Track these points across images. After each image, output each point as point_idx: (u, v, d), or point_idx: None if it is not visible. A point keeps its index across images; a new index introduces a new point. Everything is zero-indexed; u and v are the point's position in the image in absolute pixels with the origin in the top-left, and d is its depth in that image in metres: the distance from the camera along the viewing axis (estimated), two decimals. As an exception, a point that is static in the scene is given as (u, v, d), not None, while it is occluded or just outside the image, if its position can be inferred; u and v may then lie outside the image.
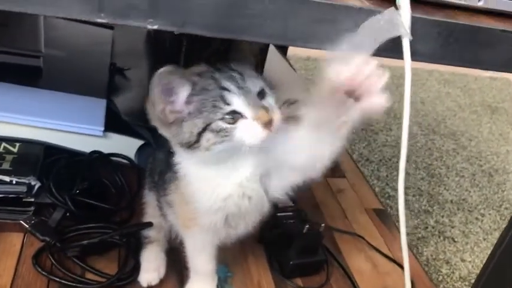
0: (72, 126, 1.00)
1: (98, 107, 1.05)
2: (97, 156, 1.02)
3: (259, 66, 0.75)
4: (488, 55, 0.57)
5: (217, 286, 0.87)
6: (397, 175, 0.56)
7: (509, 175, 1.89)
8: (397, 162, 2.00)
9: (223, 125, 0.64)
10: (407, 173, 1.76)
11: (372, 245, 1.06)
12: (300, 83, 1.54)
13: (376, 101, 0.56)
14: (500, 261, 0.78)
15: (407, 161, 1.82)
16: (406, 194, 1.65)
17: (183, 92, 0.65)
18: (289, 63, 1.77)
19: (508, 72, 0.57)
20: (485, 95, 2.57)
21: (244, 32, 0.51)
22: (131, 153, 1.05)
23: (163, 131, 0.69)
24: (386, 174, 1.73)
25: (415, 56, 0.54)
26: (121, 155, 1.04)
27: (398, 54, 0.54)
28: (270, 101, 0.67)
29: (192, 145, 0.66)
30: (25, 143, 0.97)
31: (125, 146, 1.05)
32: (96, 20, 0.48)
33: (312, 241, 0.93)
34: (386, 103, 0.56)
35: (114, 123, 1.04)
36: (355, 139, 1.90)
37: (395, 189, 1.66)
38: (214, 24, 0.49)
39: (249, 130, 0.64)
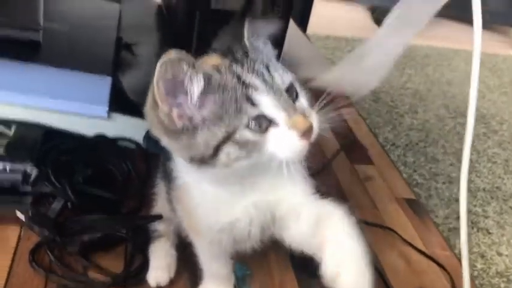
0: (74, 106, 0.90)
1: (102, 84, 0.95)
2: (101, 139, 0.93)
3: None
4: None
5: (235, 286, 0.78)
6: (425, 161, 0.48)
7: (545, 161, 1.77)
8: (425, 147, 1.88)
9: (250, 135, 0.50)
10: (435, 159, 1.65)
11: (405, 240, 0.96)
12: (322, 59, 1.43)
13: None
14: None
15: (435, 145, 1.71)
16: (435, 181, 1.54)
17: (195, 90, 0.50)
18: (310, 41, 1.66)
19: None
20: (515, 75, 2.43)
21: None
22: (139, 136, 0.96)
23: (167, 142, 0.54)
24: (413, 160, 1.61)
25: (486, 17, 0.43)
26: (128, 138, 0.95)
27: (463, 15, 0.43)
28: (303, 101, 0.55)
29: (205, 160, 0.52)
30: (21, 125, 0.88)
31: (132, 128, 0.94)
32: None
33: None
34: None
35: (120, 103, 0.94)
36: (380, 122, 1.78)
37: (424, 176, 1.55)
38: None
39: (283, 141, 0.51)
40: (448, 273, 0.91)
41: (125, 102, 0.95)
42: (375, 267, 0.86)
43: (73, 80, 0.95)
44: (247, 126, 0.50)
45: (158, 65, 0.48)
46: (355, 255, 0.53)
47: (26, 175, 0.81)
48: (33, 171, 0.82)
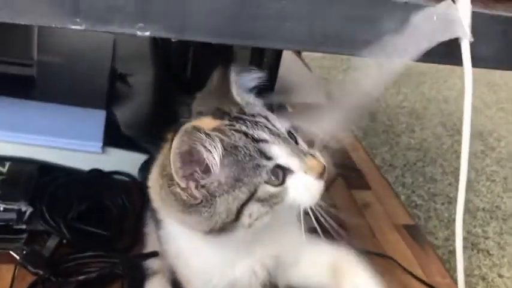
0: (69, 143, 0.90)
1: (96, 119, 0.95)
2: (96, 174, 0.92)
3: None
4: None
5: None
6: (424, 181, 0.48)
7: (544, 178, 1.76)
8: (423, 166, 1.87)
9: (271, 189, 0.49)
10: (433, 179, 1.64)
11: (405, 268, 0.95)
12: (318, 84, 1.43)
13: None
14: None
15: (433, 165, 1.71)
16: (434, 202, 1.54)
17: (217, 157, 0.48)
18: (305, 63, 1.66)
19: None
20: (512, 91, 2.44)
21: (259, 37, 0.40)
22: (134, 169, 0.95)
23: (182, 217, 0.52)
24: (412, 181, 1.61)
25: (476, 62, 0.43)
26: (123, 172, 0.94)
27: (455, 60, 0.42)
28: (301, 143, 0.55)
29: (226, 227, 0.50)
30: (16, 161, 0.87)
31: (127, 162, 0.94)
32: (70, 27, 0.37)
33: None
34: None
35: (114, 137, 0.94)
36: (377, 143, 1.78)
37: (422, 197, 1.55)
38: (220, 28, 0.39)
39: (303, 187, 0.51)
40: (449, 303, 0.90)
41: (119, 136, 0.94)
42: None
43: (67, 115, 0.95)
44: (267, 181, 0.49)
45: (175, 139, 0.46)
46: None
47: (20, 213, 0.81)
48: (27, 210, 0.81)
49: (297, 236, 0.58)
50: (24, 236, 0.82)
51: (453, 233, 1.40)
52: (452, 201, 1.55)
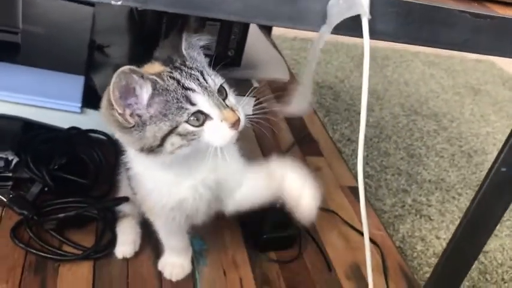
0: (50, 102, 1.01)
1: (76, 83, 1.06)
2: (75, 132, 1.04)
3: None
4: (446, 35, 0.59)
5: (192, 258, 0.90)
6: (378, 155, 0.57)
7: (488, 156, 1.93)
8: (378, 142, 2.03)
9: (190, 128, 0.62)
10: (387, 153, 1.79)
11: (345, 221, 1.09)
12: (282, 62, 1.55)
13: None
14: (463, 235, 0.81)
15: (388, 141, 1.85)
16: (385, 173, 1.68)
17: (144, 93, 0.62)
18: (273, 43, 1.78)
19: (463, 50, 0.59)
20: (469, 77, 2.60)
21: (207, 9, 0.52)
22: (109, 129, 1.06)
23: (121, 137, 0.66)
24: (366, 154, 1.75)
25: (374, 35, 0.56)
26: (99, 131, 1.05)
27: (358, 33, 0.55)
28: (231, 99, 0.68)
29: (153, 150, 0.64)
30: (2, 118, 0.98)
31: (103, 122, 1.05)
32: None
33: (285, 216, 0.95)
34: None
35: (92, 99, 1.05)
36: (338, 119, 1.92)
37: (375, 168, 1.69)
38: (177, 0, 0.51)
39: (217, 132, 0.64)
40: (381, 250, 1.04)
41: (97, 99, 1.05)
42: (317, 244, 1.00)
43: (50, 79, 1.05)
44: (187, 121, 0.62)
45: (114, 75, 0.59)
46: (309, 185, 0.72)
47: (7, 162, 0.91)
48: (13, 159, 0.92)
49: (235, 162, 0.73)
50: (10, 183, 0.93)
51: (400, 201, 1.57)
52: (401, 173, 1.71)
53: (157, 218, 0.81)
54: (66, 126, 1.03)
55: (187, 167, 0.70)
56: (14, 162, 0.92)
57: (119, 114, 0.62)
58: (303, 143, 1.32)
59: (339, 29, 0.55)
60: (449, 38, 0.59)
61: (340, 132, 1.85)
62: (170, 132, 0.62)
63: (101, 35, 1.27)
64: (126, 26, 1.40)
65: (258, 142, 1.20)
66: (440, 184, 1.70)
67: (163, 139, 0.63)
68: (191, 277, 0.88)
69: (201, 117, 0.63)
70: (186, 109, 0.62)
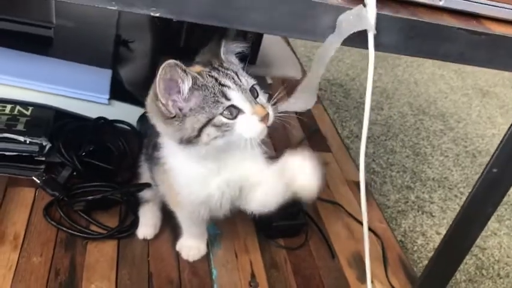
0: (80, 94, 1.09)
1: (104, 76, 1.14)
2: (102, 122, 1.12)
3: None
4: (445, 48, 0.66)
5: (207, 242, 0.98)
6: (384, 152, 0.63)
7: (492, 157, 1.98)
8: (385, 140, 2.10)
9: (224, 119, 0.70)
10: (393, 151, 1.85)
11: (349, 213, 1.16)
12: (295, 61, 1.63)
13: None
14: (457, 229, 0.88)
15: (395, 139, 1.92)
16: (390, 170, 1.75)
17: (186, 87, 0.69)
18: (287, 40, 1.85)
19: (459, 63, 0.66)
20: (478, 78, 2.64)
21: (234, 21, 0.60)
22: (133, 120, 1.15)
23: (163, 127, 0.73)
24: (373, 151, 1.82)
25: (379, 48, 0.63)
26: (124, 121, 1.13)
27: (365, 46, 0.62)
28: (261, 98, 0.76)
29: (191, 140, 0.71)
30: (37, 107, 1.06)
31: (128, 113, 1.14)
32: (107, 7, 0.57)
33: (295, 206, 1.03)
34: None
35: (118, 92, 1.13)
36: (347, 116, 1.98)
37: (381, 165, 1.76)
38: (207, 13, 0.58)
39: (248, 124, 0.71)
40: (382, 242, 1.12)
41: (123, 92, 1.14)
42: (322, 233, 1.07)
43: (80, 71, 1.13)
44: (222, 113, 0.70)
45: (160, 68, 0.66)
46: (311, 167, 0.73)
47: (41, 147, 1.00)
48: (47, 144, 1.00)
49: (257, 163, 0.79)
50: (43, 166, 1.02)
51: (403, 197, 1.64)
52: (406, 171, 1.77)
53: (181, 210, 0.89)
54: (94, 116, 1.11)
55: (217, 163, 0.77)
56: (47, 147, 1.00)
57: (162, 104, 0.69)
58: (312, 139, 1.40)
59: (346, 41, 0.62)
60: (448, 51, 0.66)
61: (349, 129, 1.92)
62: (207, 123, 0.70)
63: (126, 31, 1.35)
64: (150, 23, 1.47)
65: (270, 137, 1.28)
66: (444, 182, 1.77)
67: (201, 130, 0.70)
68: (206, 258, 0.96)
69: (234, 111, 0.70)
70: (222, 103, 0.70)
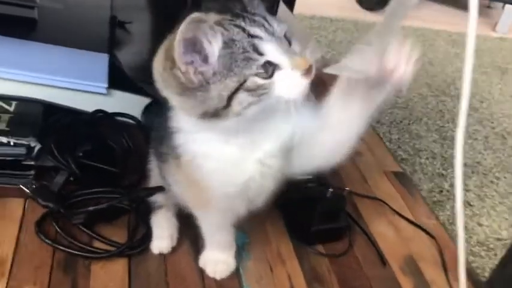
0: (73, 83, 0.93)
1: (100, 62, 0.98)
2: (101, 115, 0.95)
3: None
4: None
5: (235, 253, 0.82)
6: (409, 137, 0.51)
7: (523, 138, 1.84)
8: (408, 124, 1.94)
9: (259, 81, 0.54)
10: (419, 135, 1.71)
11: (394, 210, 1.00)
12: (310, 38, 1.46)
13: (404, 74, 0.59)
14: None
15: (418, 123, 1.77)
16: (419, 156, 1.61)
17: (215, 48, 0.54)
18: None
19: None
20: (495, 55, 2.51)
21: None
22: (137, 112, 0.98)
23: (180, 100, 0.57)
24: (398, 137, 1.68)
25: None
26: (127, 114, 0.97)
27: None
28: (296, 45, 0.59)
29: (218, 113, 0.56)
30: (22, 101, 0.90)
31: (131, 104, 0.97)
32: None
33: (335, 206, 0.88)
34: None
35: (118, 79, 0.97)
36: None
37: (408, 152, 1.61)
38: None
39: (289, 82, 0.55)
40: (436, 241, 0.96)
41: (123, 79, 0.97)
42: (368, 236, 0.92)
43: (71, 57, 0.97)
44: (256, 73, 0.54)
45: (181, 25, 0.50)
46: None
47: (29, 148, 0.83)
48: (36, 145, 0.84)
49: (304, 116, 0.62)
50: (33, 172, 0.85)
51: (436, 186, 1.48)
52: (435, 157, 1.62)
53: (210, 212, 0.72)
54: (91, 109, 0.95)
55: (251, 136, 0.61)
56: (36, 149, 0.84)
57: (182, 73, 0.54)
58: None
59: None
60: None
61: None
62: (238, 88, 0.54)
63: (121, 11, 1.18)
64: (147, 3, 1.31)
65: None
66: (477, 168, 1.63)
67: (230, 98, 0.55)
68: (235, 274, 0.80)
69: (269, 68, 0.55)
70: (255, 60, 0.54)
